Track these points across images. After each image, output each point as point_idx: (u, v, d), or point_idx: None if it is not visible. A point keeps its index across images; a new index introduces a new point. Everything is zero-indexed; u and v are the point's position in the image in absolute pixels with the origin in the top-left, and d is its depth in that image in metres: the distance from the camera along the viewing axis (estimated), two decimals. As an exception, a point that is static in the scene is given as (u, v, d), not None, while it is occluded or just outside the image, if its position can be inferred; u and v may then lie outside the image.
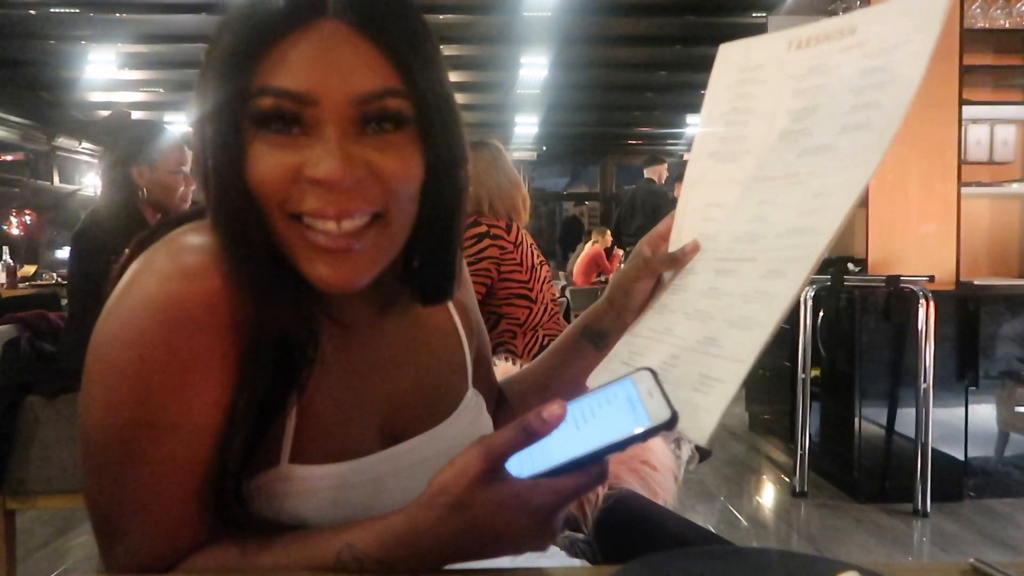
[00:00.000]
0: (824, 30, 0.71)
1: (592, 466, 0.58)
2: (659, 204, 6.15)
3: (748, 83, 0.76)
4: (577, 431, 0.59)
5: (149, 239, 0.67)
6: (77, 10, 6.46)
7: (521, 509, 0.56)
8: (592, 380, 0.79)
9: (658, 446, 1.30)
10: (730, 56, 0.80)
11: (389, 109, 0.61)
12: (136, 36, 7.12)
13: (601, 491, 1.14)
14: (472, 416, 0.81)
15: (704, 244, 0.76)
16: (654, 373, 0.60)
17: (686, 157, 10.26)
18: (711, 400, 0.65)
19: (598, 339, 0.87)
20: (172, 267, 0.62)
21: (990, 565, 0.69)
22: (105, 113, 9.58)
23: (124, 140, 2.20)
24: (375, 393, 0.73)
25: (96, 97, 9.23)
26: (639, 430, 0.57)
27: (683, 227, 0.80)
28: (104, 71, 7.93)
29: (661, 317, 0.78)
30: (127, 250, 0.69)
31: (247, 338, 0.62)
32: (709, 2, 6.32)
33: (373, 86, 0.60)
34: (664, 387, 0.59)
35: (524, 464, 0.59)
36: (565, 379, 0.94)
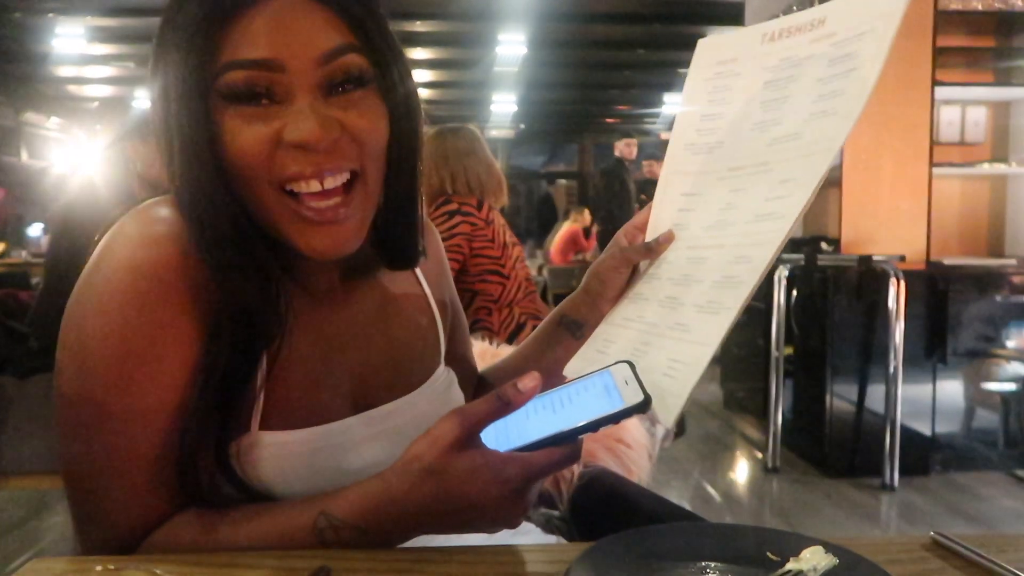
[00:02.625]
0: (796, 22, 0.73)
1: (565, 445, 0.59)
2: (624, 180, 6.16)
3: (725, 76, 0.78)
4: (554, 414, 0.61)
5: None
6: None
7: (493, 479, 0.57)
8: (569, 369, 0.81)
9: (633, 425, 1.32)
10: (707, 50, 0.82)
11: (351, 69, 0.64)
12: (105, 9, 6.96)
13: (576, 469, 1.16)
14: (443, 389, 0.83)
15: (679, 233, 0.78)
16: (632, 365, 0.62)
17: (664, 136, 10.27)
18: (678, 384, 0.67)
19: (575, 328, 0.89)
20: (140, 234, 0.64)
21: (950, 538, 0.71)
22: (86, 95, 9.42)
23: (122, 119, 2.18)
24: (345, 361, 0.74)
25: (64, 71, 9.03)
26: (611, 411, 0.59)
27: (660, 217, 0.81)
28: (72, 45, 7.75)
29: (635, 305, 0.79)
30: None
31: (213, 304, 0.64)
32: (687, -20, 6.31)
33: (334, 43, 0.63)
34: (640, 375, 0.61)
35: (500, 440, 0.60)
36: (544, 367, 0.95)
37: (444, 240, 2.31)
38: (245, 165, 0.62)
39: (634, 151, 6.48)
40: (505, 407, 0.58)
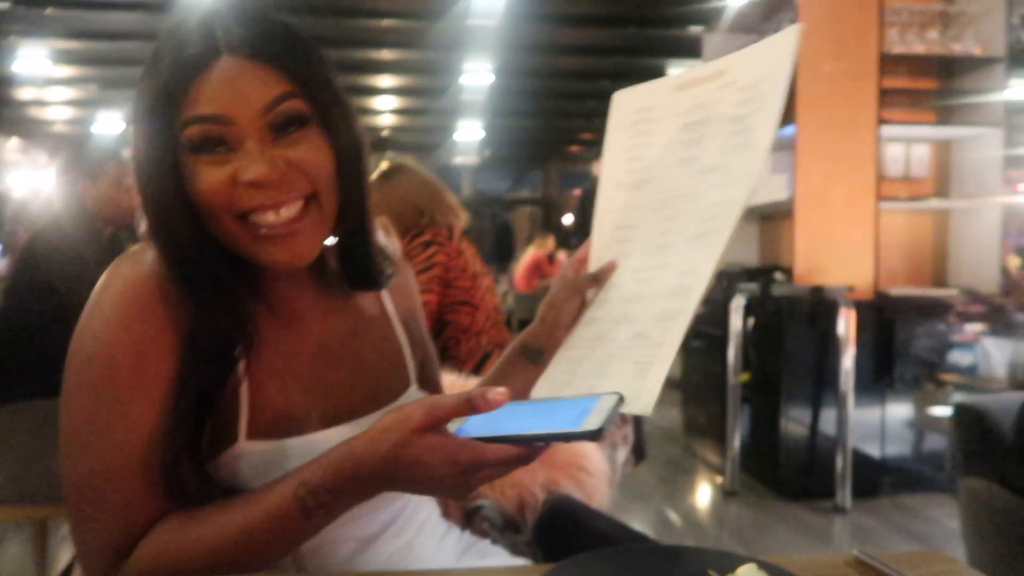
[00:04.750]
0: (700, 74, 0.85)
1: (520, 446, 0.67)
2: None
3: (643, 122, 0.89)
4: (529, 418, 0.70)
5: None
6: (7, 4, 6.27)
7: (446, 459, 0.66)
8: (537, 391, 0.88)
9: (593, 453, 1.40)
10: (624, 102, 0.93)
11: (291, 113, 0.74)
12: (68, 32, 6.94)
13: (540, 496, 1.23)
14: None
15: (620, 261, 0.88)
16: (619, 398, 0.68)
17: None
18: (650, 382, 0.76)
19: (535, 355, 0.97)
20: (129, 269, 0.75)
21: (871, 556, 0.80)
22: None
23: (71, 155, 2.22)
24: (317, 378, 0.83)
25: (26, 93, 8.93)
26: (562, 431, 0.67)
27: (601, 249, 0.91)
28: (35, 66, 7.69)
29: (592, 328, 0.88)
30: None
31: (189, 327, 0.74)
32: (649, 16, 6.49)
33: (274, 94, 0.73)
34: (613, 406, 0.67)
35: (475, 425, 0.69)
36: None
37: (424, 271, 2.40)
38: (210, 202, 0.73)
39: None
40: (471, 409, 0.67)
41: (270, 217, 0.74)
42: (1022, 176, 10.53)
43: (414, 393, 0.93)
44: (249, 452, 0.75)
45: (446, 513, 1.21)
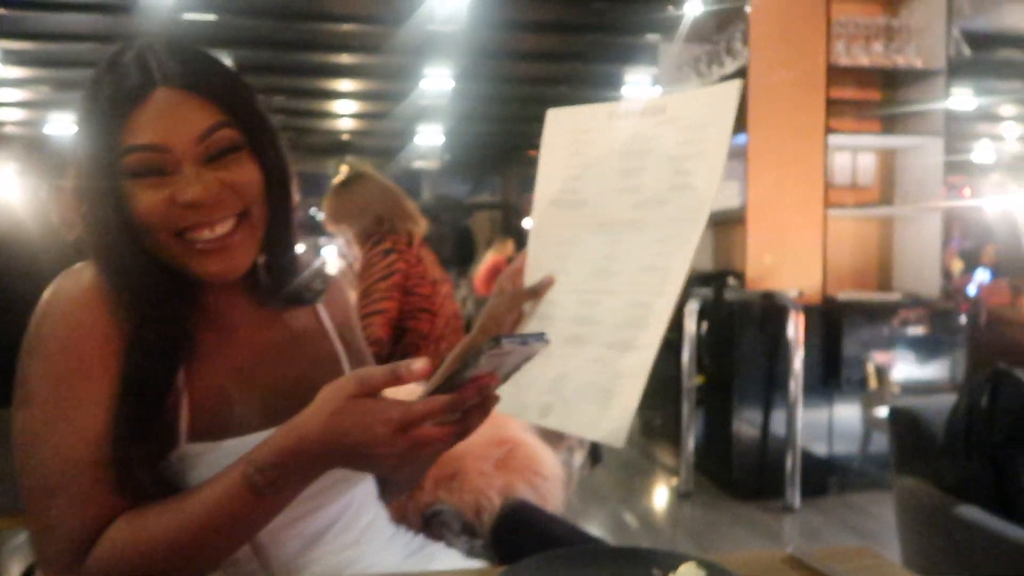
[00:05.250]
0: (636, 107, 0.89)
1: (448, 394, 0.71)
2: None
3: (579, 144, 0.93)
4: None
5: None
6: (-47, 3, 6.11)
7: (379, 419, 0.70)
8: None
9: (549, 458, 1.44)
10: (559, 120, 0.96)
11: (223, 140, 0.80)
12: (20, 33, 6.78)
13: (497, 501, 1.27)
14: None
15: (559, 278, 0.91)
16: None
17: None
18: (619, 414, 0.79)
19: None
20: (71, 284, 0.81)
21: (804, 552, 0.86)
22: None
23: (29, 157, 2.19)
24: (256, 383, 0.88)
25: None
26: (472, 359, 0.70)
27: (537, 263, 0.94)
28: (-17, 67, 7.49)
29: None
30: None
31: (129, 337, 0.79)
32: (607, 24, 6.59)
33: (207, 124, 0.79)
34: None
35: None
36: None
37: (384, 279, 2.42)
38: (149, 222, 0.79)
39: None
40: (397, 380, 0.71)
41: (205, 233, 0.80)
42: (962, 182, 10.92)
43: None
44: (191, 454, 0.79)
45: (404, 517, 1.24)
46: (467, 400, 0.71)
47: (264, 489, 0.72)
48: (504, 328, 0.96)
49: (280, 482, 0.73)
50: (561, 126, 0.96)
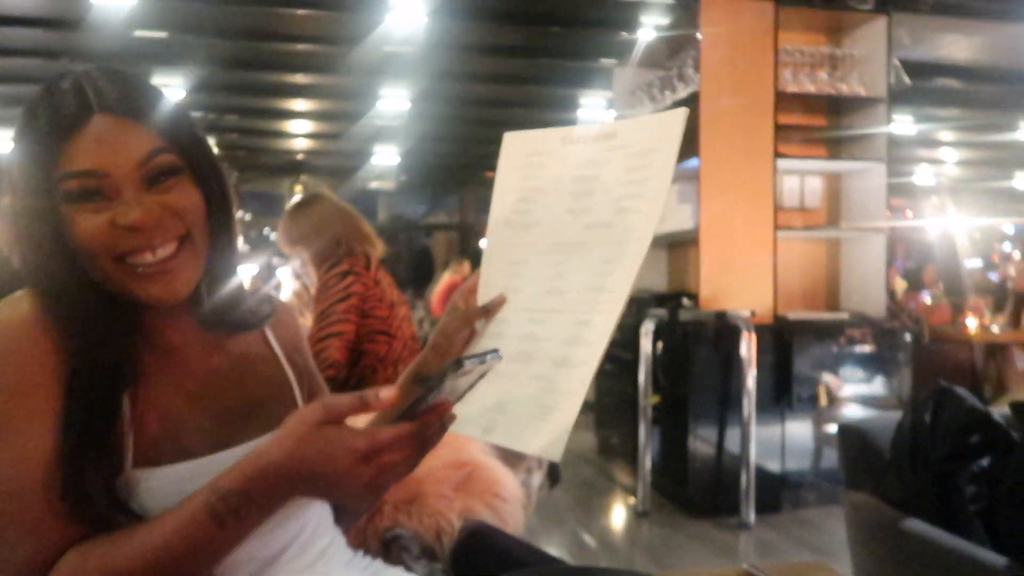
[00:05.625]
0: (589, 132, 0.92)
1: (411, 422, 0.71)
2: None
3: (532, 166, 0.95)
4: None
5: None
6: None
7: (343, 448, 0.70)
8: None
9: (508, 480, 1.45)
10: (514, 143, 0.99)
11: (164, 165, 0.81)
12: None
13: (456, 523, 1.27)
14: None
15: (511, 296, 0.93)
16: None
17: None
18: (557, 428, 0.80)
19: (424, 382, 1.01)
20: (8, 313, 0.80)
21: (758, 568, 0.88)
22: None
23: None
24: (201, 407, 0.87)
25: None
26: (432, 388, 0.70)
27: (489, 283, 0.96)
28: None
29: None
30: None
31: (70, 363, 0.78)
32: (562, 48, 6.68)
33: (147, 149, 0.80)
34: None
35: None
36: None
37: (341, 301, 2.40)
38: (89, 247, 0.78)
39: None
40: (364, 407, 0.72)
41: (147, 257, 0.80)
42: (904, 204, 11.29)
43: None
44: (137, 479, 0.79)
45: (363, 542, 1.23)
46: (431, 425, 0.72)
47: (226, 517, 0.72)
48: (455, 346, 0.97)
49: (243, 511, 0.72)
50: (517, 149, 0.98)
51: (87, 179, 0.78)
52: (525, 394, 0.85)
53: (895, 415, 1.75)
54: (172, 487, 0.78)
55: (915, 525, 1.52)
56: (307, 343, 1.09)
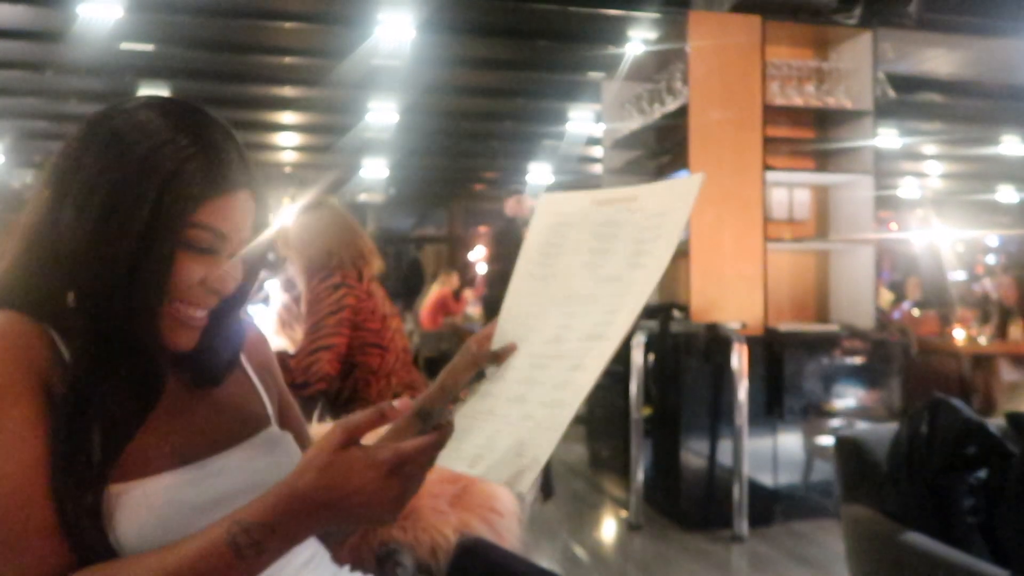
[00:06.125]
0: (617, 195, 0.97)
1: (432, 434, 0.73)
2: (518, 241, 6.11)
3: (561, 226, 1.01)
4: None
5: None
6: None
7: (368, 465, 0.71)
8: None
9: (504, 494, 1.42)
10: (550, 203, 1.05)
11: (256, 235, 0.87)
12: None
13: (452, 539, 1.25)
14: (272, 444, 0.95)
15: (520, 345, 0.96)
16: None
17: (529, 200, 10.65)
18: (527, 460, 0.82)
19: (427, 417, 1.02)
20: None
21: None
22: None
23: None
24: (169, 423, 0.85)
25: None
26: None
27: (505, 331, 0.99)
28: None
29: (485, 402, 0.94)
30: None
31: (49, 383, 0.76)
32: (551, 61, 6.71)
33: (254, 222, 0.88)
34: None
35: None
36: None
37: (333, 314, 2.38)
38: (169, 288, 0.80)
39: (525, 206, 6.41)
40: (382, 419, 0.72)
41: (198, 313, 0.84)
42: (889, 217, 11.38)
43: (275, 431, 0.98)
44: (110, 495, 0.77)
45: (357, 558, 1.21)
46: (447, 436, 0.73)
47: (246, 550, 0.70)
48: (460, 385, 1.00)
49: (265, 543, 0.71)
50: (550, 208, 1.04)
51: (215, 238, 0.82)
52: (513, 433, 0.87)
53: (891, 427, 1.74)
54: (139, 504, 0.77)
55: (914, 538, 1.51)
56: (275, 359, 1.10)
